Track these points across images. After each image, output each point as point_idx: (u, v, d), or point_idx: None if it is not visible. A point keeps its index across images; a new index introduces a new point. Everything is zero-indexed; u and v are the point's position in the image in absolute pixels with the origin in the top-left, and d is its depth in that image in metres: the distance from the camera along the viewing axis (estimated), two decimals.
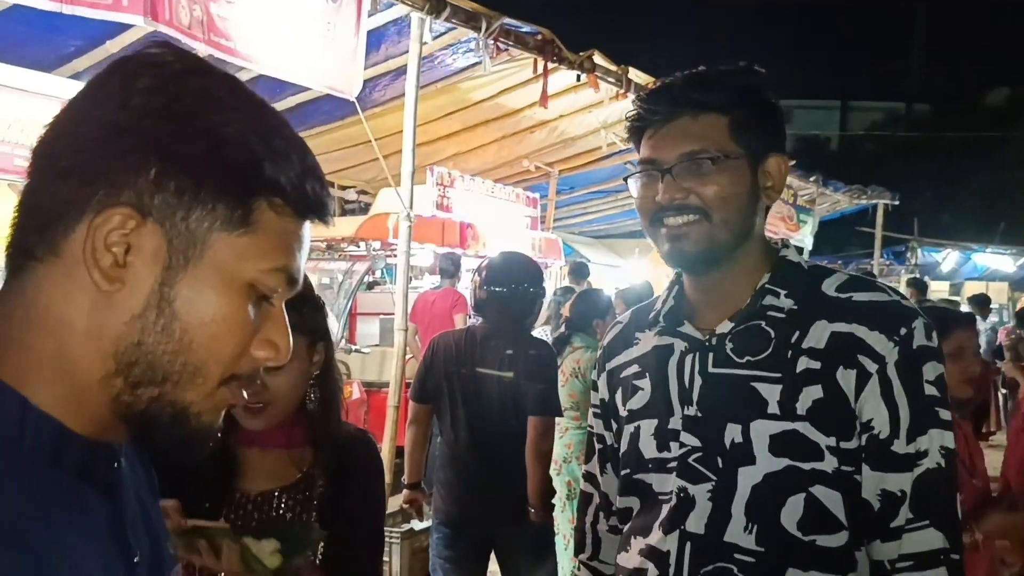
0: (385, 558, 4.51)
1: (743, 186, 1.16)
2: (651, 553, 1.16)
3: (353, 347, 6.66)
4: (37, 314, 0.62)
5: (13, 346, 0.62)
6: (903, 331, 1.09)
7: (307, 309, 1.41)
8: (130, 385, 0.63)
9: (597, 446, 1.38)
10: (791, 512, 1.08)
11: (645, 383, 1.25)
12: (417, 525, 4.65)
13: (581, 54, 6.21)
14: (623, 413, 1.28)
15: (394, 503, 5.19)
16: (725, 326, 1.18)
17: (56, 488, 0.62)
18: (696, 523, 1.12)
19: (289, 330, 0.68)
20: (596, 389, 1.37)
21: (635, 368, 1.28)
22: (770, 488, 1.09)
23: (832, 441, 1.09)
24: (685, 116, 1.16)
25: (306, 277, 0.78)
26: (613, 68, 6.56)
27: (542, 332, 5.77)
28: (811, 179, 11.35)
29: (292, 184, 0.64)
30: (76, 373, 0.62)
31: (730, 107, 1.17)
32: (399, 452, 5.91)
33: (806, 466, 1.08)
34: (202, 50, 4.50)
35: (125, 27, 4.77)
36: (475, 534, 3.00)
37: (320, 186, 0.67)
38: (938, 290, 10.75)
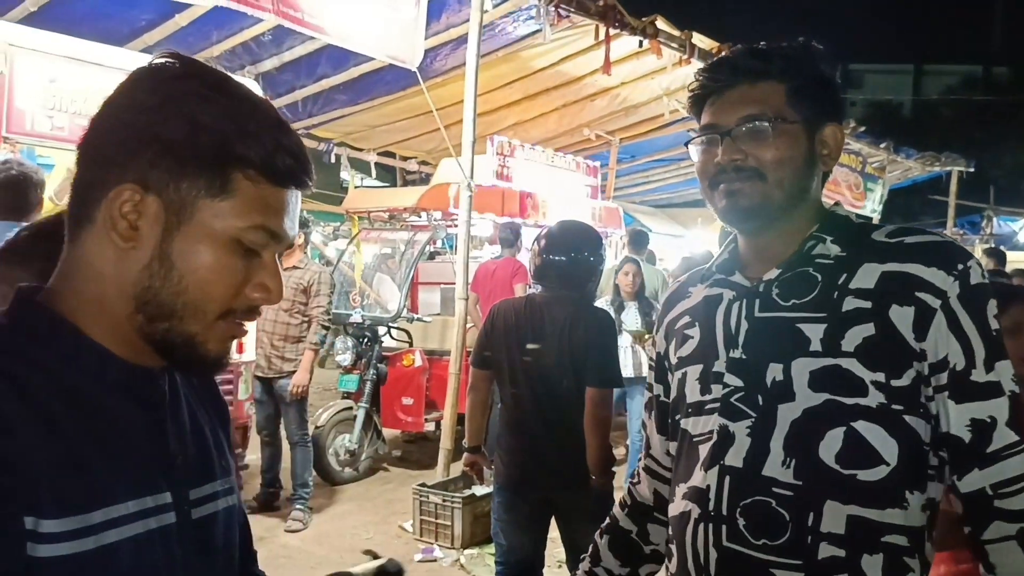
0: (447, 522, 4.62)
1: (799, 151, 1.19)
2: (693, 493, 1.20)
3: (415, 316, 6.75)
4: (83, 267, 0.81)
5: (70, 291, 0.81)
6: (960, 267, 1.10)
7: None
8: (147, 319, 0.80)
9: (648, 395, 1.47)
10: (829, 445, 1.09)
11: (694, 331, 1.29)
12: (478, 490, 4.73)
13: (643, 19, 6.10)
14: (674, 361, 1.33)
15: (456, 469, 5.29)
16: (772, 273, 1.21)
17: (100, 396, 0.79)
18: (735, 457, 1.15)
19: (281, 277, 0.85)
20: (655, 345, 1.43)
21: (686, 319, 1.33)
22: (809, 422, 1.11)
23: (880, 377, 1.09)
24: (744, 83, 1.20)
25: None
26: (676, 33, 6.43)
27: (603, 302, 5.76)
28: (881, 145, 11.00)
29: (263, 158, 0.80)
30: (111, 311, 0.80)
31: (788, 76, 1.20)
32: (460, 419, 6.02)
33: (848, 400, 1.09)
34: (271, 20, 4.57)
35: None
36: (535, 498, 3.03)
37: (293, 159, 0.82)
38: (1016, 260, 10.34)
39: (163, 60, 0.82)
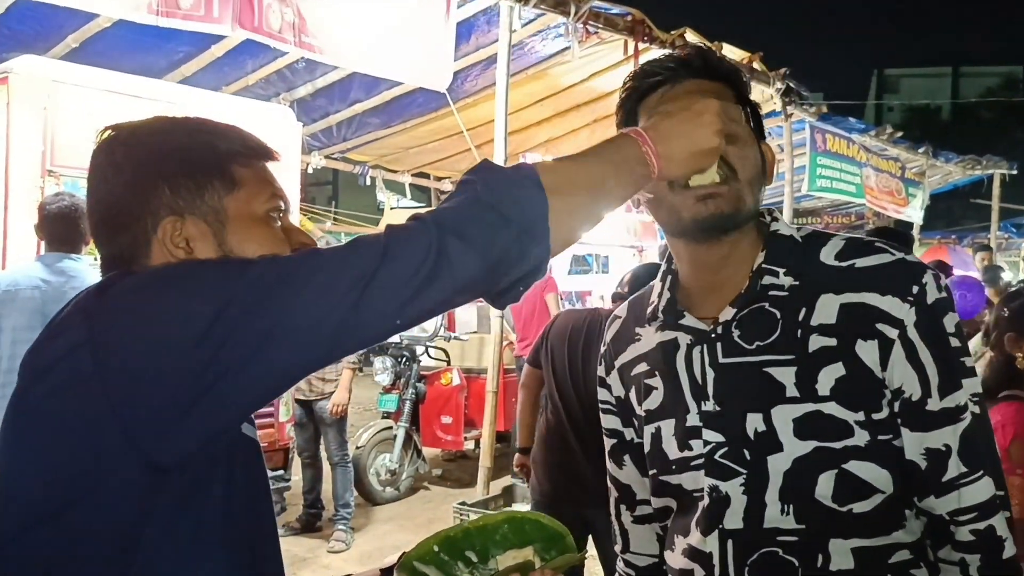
0: None
1: (756, 154, 1.13)
2: (694, 554, 1.14)
3: (452, 335, 6.77)
4: None
5: None
6: (915, 289, 1.06)
7: None
8: None
9: (611, 441, 1.35)
10: (824, 487, 1.06)
11: (657, 382, 1.20)
12: (518, 508, 4.72)
13: (672, 33, 6.10)
14: (641, 413, 1.24)
15: (496, 487, 5.28)
16: (727, 313, 1.12)
17: None
18: (733, 519, 1.09)
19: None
20: (605, 386, 1.33)
21: (644, 366, 1.24)
22: (801, 470, 1.06)
23: (861, 416, 1.05)
24: (701, 77, 1.14)
25: None
26: (706, 45, 6.41)
27: None
28: (920, 150, 10.81)
29: (242, 146, 0.96)
30: None
31: (736, 81, 1.16)
32: (499, 437, 6.03)
33: (837, 445, 1.05)
34: (293, 52, 4.66)
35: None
36: (570, 514, 3.01)
37: (255, 141, 0.98)
38: None
39: (104, 135, 0.95)
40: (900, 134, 10.35)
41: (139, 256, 0.91)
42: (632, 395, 1.26)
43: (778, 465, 1.07)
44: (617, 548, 1.39)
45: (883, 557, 1.06)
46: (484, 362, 6.07)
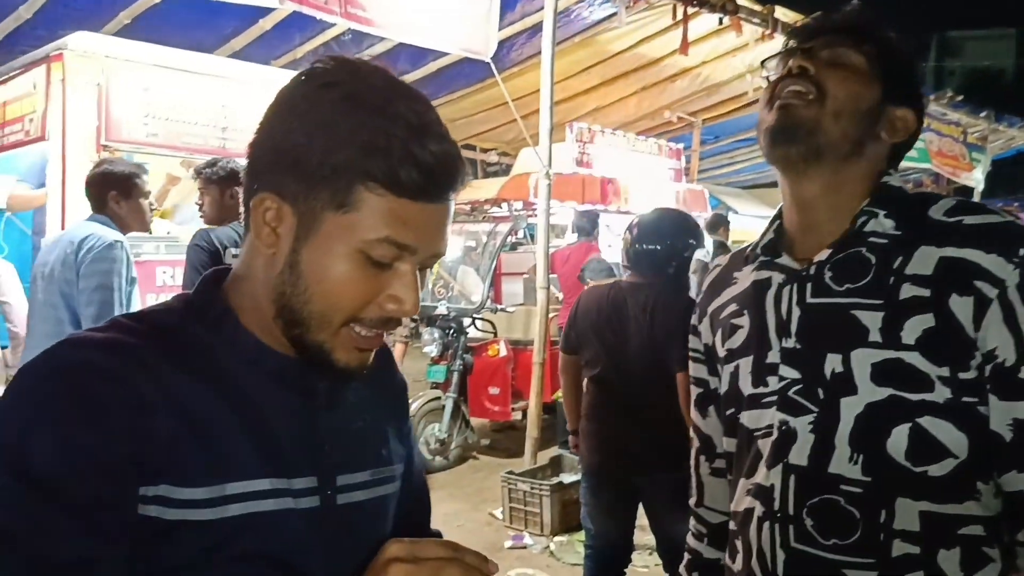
0: (536, 509, 4.64)
1: (866, 101, 1.11)
2: (757, 491, 1.14)
3: (498, 307, 6.78)
4: (248, 266, 0.87)
5: (238, 286, 0.87)
6: (1022, 252, 1.02)
7: None
8: (284, 324, 0.84)
9: (697, 391, 1.37)
10: (897, 442, 1.03)
11: (743, 320, 1.22)
12: (566, 478, 4.74)
13: None
14: (723, 354, 1.25)
15: (543, 457, 5.31)
16: (823, 254, 1.13)
17: (254, 382, 0.84)
18: (799, 455, 1.09)
19: (418, 289, 0.83)
20: (696, 334, 1.35)
21: (733, 307, 1.25)
22: (874, 417, 1.05)
23: (945, 372, 1.02)
24: (832, 35, 1.14)
25: None
26: (758, 8, 6.24)
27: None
28: (982, 115, 10.43)
29: (387, 172, 0.78)
30: (263, 311, 0.85)
31: (882, 43, 1.14)
32: (546, 408, 6.05)
33: (913, 397, 1.03)
34: (340, 23, 4.66)
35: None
36: (619, 484, 3.02)
37: (421, 173, 0.78)
38: None
39: (318, 66, 0.83)
40: (961, 98, 10.00)
41: (247, 211, 0.85)
42: (718, 338, 1.27)
43: (851, 408, 1.06)
44: (692, 502, 1.40)
45: (952, 526, 1.03)
46: (530, 334, 6.08)
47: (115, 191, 3.14)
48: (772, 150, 1.14)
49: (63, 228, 3.70)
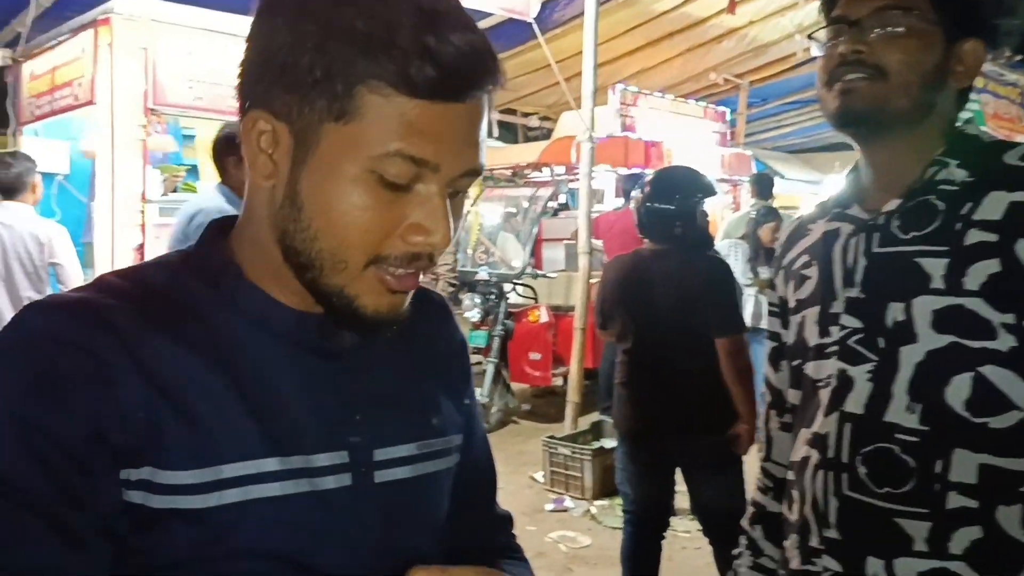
0: (577, 474, 4.66)
1: (930, 57, 1.08)
2: (813, 439, 1.13)
3: (539, 272, 6.77)
4: (249, 207, 0.73)
5: (241, 232, 0.74)
6: None
7: None
8: (293, 269, 0.69)
9: (772, 344, 1.36)
10: (957, 391, 1.01)
11: (812, 271, 1.21)
12: (607, 443, 4.75)
13: None
14: (792, 305, 1.25)
15: (584, 422, 5.32)
16: (892, 204, 1.11)
17: (260, 344, 0.71)
18: (855, 403, 1.08)
19: (447, 215, 0.67)
20: (774, 288, 1.34)
21: (805, 258, 1.24)
22: (934, 366, 1.02)
23: (1010, 319, 0.99)
24: None
25: None
26: None
27: (731, 249, 5.59)
28: None
29: (391, 69, 0.63)
30: (270, 256, 0.71)
31: None
32: (588, 374, 6.05)
33: (975, 344, 1.00)
34: None
35: None
36: (655, 448, 3.01)
37: (436, 66, 0.63)
38: None
39: None
40: (1020, 58, 9.62)
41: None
42: (790, 290, 1.27)
43: (911, 356, 1.04)
44: (760, 456, 1.39)
45: (1013, 483, 1.01)
46: (572, 299, 6.06)
47: (235, 156, 2.94)
48: (839, 130, 1.14)
49: (112, 194, 3.76)
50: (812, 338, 1.17)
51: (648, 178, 3.16)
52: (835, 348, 1.12)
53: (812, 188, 11.07)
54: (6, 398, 0.63)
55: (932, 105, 1.10)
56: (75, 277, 3.95)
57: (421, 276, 0.71)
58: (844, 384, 1.09)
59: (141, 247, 3.78)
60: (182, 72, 3.85)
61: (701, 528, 3.13)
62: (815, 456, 1.12)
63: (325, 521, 0.70)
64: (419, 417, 0.80)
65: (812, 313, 1.18)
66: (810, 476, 1.12)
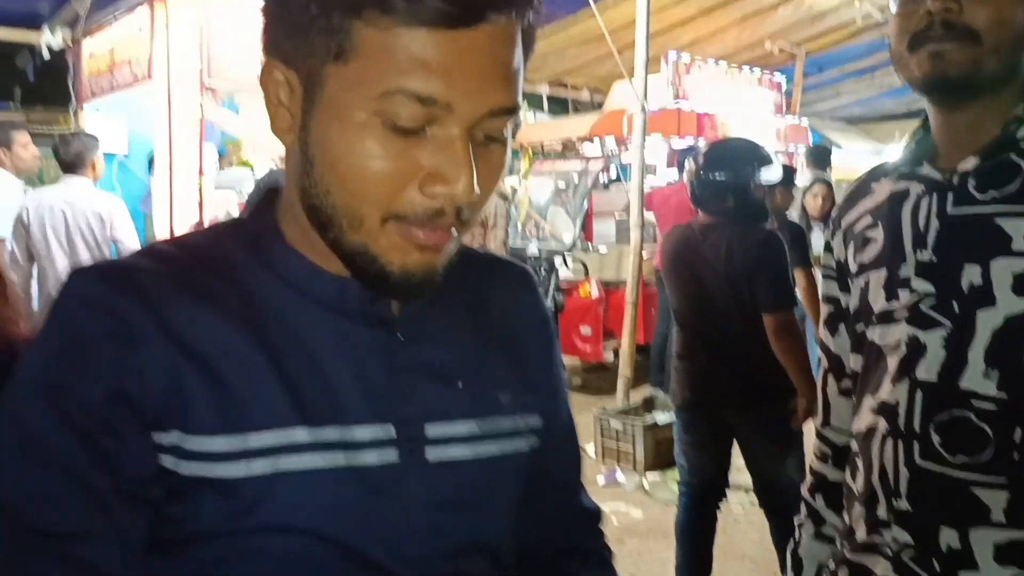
0: (629, 447, 4.65)
1: (1021, 15, 1.01)
2: (880, 408, 1.09)
3: (590, 246, 6.73)
4: (284, 171, 0.70)
5: (280, 201, 0.71)
6: None
7: None
8: (317, 229, 0.65)
9: (828, 309, 1.30)
10: None
11: (876, 232, 1.15)
12: (660, 417, 4.72)
13: None
14: (854, 268, 1.19)
15: (635, 396, 5.29)
16: (969, 162, 1.05)
17: (301, 311, 0.67)
18: (927, 370, 1.03)
19: (469, 161, 0.60)
20: (830, 250, 1.29)
21: (868, 219, 1.18)
22: (1013, 331, 0.98)
23: None
24: None
25: None
26: None
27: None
28: None
29: None
30: (299, 219, 0.67)
31: None
32: (639, 349, 6.01)
33: None
34: None
35: None
36: (712, 419, 2.99)
37: None
38: None
39: None
40: None
41: None
42: (850, 252, 1.22)
43: (988, 321, 1.00)
44: (817, 423, 1.35)
45: None
46: (623, 274, 6.01)
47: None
48: (924, 95, 1.08)
49: (171, 170, 3.83)
50: (878, 302, 1.13)
51: (702, 149, 3.10)
52: (905, 313, 1.08)
53: (871, 159, 10.77)
54: (39, 361, 0.63)
55: (1019, 64, 1.04)
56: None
57: (458, 234, 0.65)
58: (915, 350, 1.05)
59: (199, 223, 3.85)
60: (236, 48, 3.88)
61: (757, 502, 3.10)
62: (883, 424, 1.08)
63: (365, 500, 0.65)
64: (483, 392, 0.73)
65: (878, 276, 1.13)
66: (878, 445, 1.09)
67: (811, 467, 1.36)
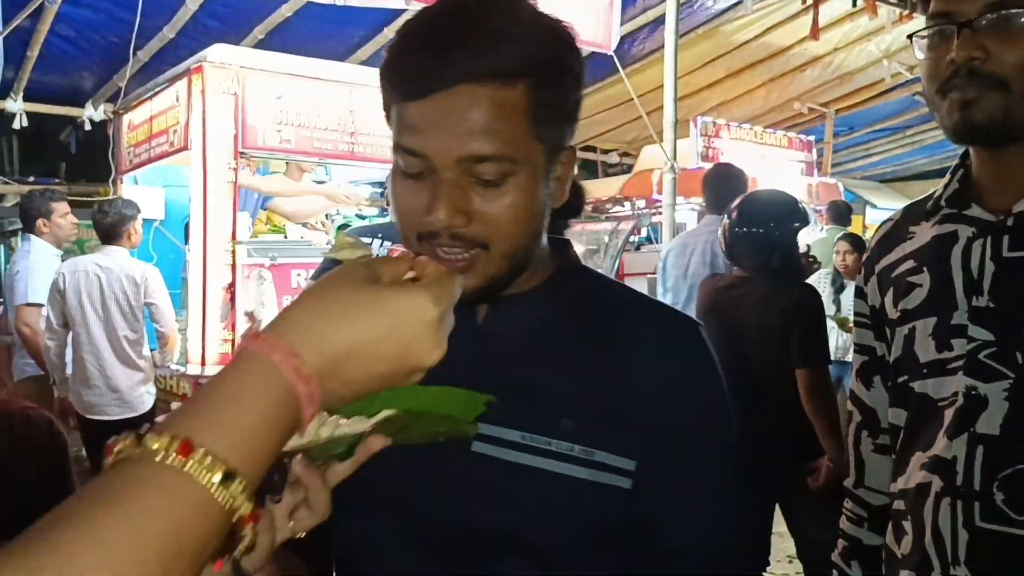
0: None
1: None
2: (934, 464, 1.02)
3: None
4: None
5: None
6: None
7: None
8: None
9: (861, 359, 1.24)
10: None
11: (922, 278, 1.10)
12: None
13: None
14: (894, 316, 1.13)
15: None
16: (1022, 204, 1.01)
17: None
18: (988, 424, 0.97)
19: (443, 195, 0.75)
20: (862, 296, 1.23)
21: (910, 263, 1.13)
22: None
23: None
24: None
25: None
26: None
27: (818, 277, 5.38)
28: None
29: (384, 78, 0.79)
30: None
31: None
32: None
33: None
34: None
35: (400, 12, 5.11)
36: (750, 483, 2.85)
37: (393, 71, 0.77)
38: None
39: None
40: None
41: None
42: (888, 298, 1.15)
43: None
44: (848, 483, 1.27)
45: None
46: None
47: None
48: (957, 143, 1.05)
49: (204, 235, 3.87)
50: (926, 352, 1.07)
51: (736, 201, 3.05)
52: (959, 363, 1.02)
53: None
54: None
55: None
56: (168, 316, 4.07)
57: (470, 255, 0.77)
58: (974, 403, 0.99)
59: (231, 286, 3.87)
60: (271, 115, 3.96)
61: (802, 570, 2.96)
62: (937, 483, 1.01)
63: (415, 470, 0.78)
64: (542, 411, 0.80)
65: (925, 325, 1.07)
66: (931, 505, 1.02)
67: (842, 531, 1.27)
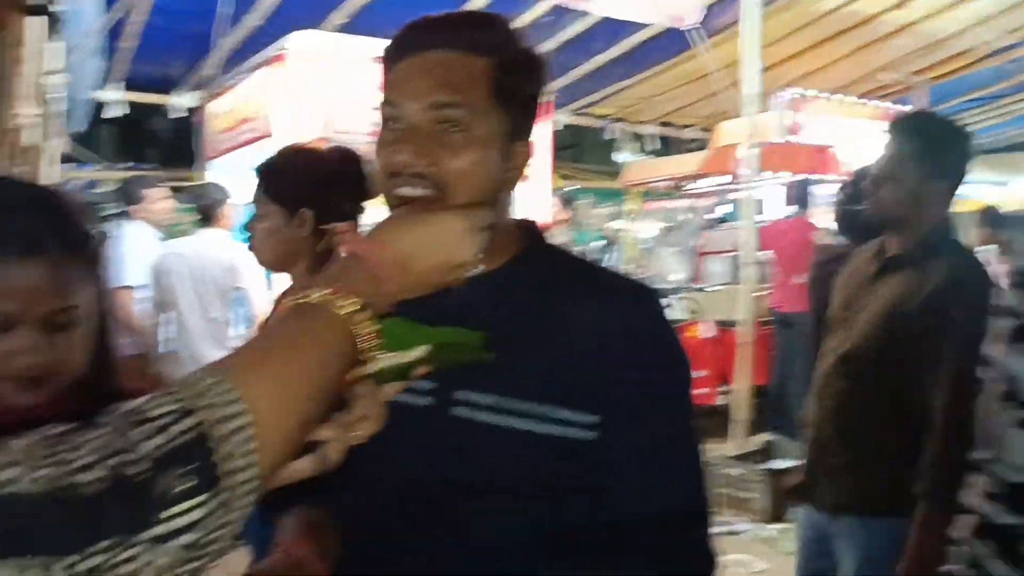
0: (747, 495, 4.45)
1: None
2: None
3: (701, 286, 6.57)
4: None
5: None
6: None
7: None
8: None
9: (1012, 322, 1.14)
10: None
11: None
12: (780, 464, 4.50)
13: None
14: None
15: (755, 442, 5.07)
16: None
17: None
18: None
19: (407, 140, 0.87)
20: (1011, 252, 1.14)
21: None
22: None
23: None
24: None
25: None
26: None
27: None
28: None
29: (383, 57, 0.95)
30: None
31: None
32: (756, 391, 5.75)
33: None
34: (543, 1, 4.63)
35: None
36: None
37: (389, 47, 0.93)
38: None
39: None
40: None
41: None
42: None
43: None
44: (984, 455, 1.19)
45: None
46: (736, 314, 5.82)
47: None
48: None
49: None
50: None
51: (852, 175, 2.83)
52: None
53: (998, 189, 10.17)
54: None
55: None
56: (257, 300, 4.20)
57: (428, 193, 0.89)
58: None
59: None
60: (353, 100, 4.02)
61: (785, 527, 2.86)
62: None
63: (418, 429, 0.89)
64: (522, 377, 0.90)
65: None
66: None
67: (972, 505, 1.19)
